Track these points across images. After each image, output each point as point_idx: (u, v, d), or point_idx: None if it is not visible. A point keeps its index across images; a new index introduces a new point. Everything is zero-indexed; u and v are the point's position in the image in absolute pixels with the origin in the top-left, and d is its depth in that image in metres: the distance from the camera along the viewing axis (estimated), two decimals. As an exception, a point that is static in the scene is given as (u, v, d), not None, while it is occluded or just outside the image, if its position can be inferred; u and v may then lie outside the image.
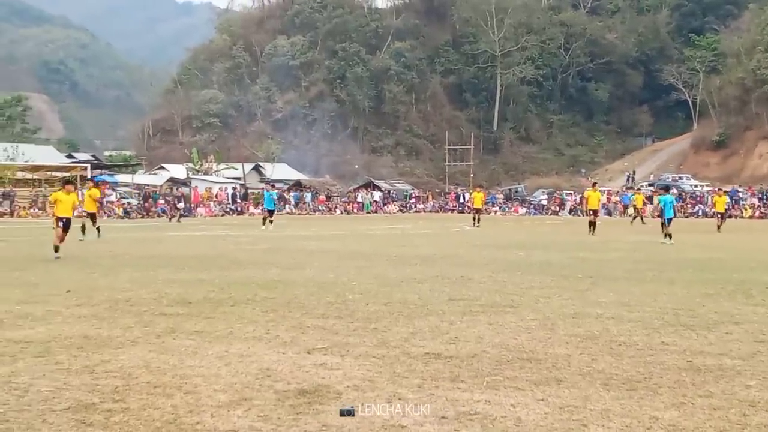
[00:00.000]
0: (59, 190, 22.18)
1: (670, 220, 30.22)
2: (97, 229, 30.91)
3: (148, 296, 13.40)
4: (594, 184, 42.53)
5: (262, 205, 47.23)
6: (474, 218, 45.53)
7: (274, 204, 44.84)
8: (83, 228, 30.37)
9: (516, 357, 8.63)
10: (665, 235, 29.56)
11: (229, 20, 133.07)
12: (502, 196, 78.82)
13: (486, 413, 6.45)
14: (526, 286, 15.15)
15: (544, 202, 72.56)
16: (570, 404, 6.73)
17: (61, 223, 21.62)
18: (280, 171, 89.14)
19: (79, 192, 57.78)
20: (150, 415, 6.34)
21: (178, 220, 46.39)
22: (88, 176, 57.92)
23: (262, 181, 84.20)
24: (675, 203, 33.98)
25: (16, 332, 10.02)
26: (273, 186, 58.28)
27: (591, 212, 36.93)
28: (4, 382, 7.39)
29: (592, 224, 35.71)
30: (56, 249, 21.20)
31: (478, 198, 47.40)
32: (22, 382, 7.39)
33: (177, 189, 67.13)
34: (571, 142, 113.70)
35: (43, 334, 9.92)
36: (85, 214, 31.43)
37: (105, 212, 57.18)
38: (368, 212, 70.68)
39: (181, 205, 55.10)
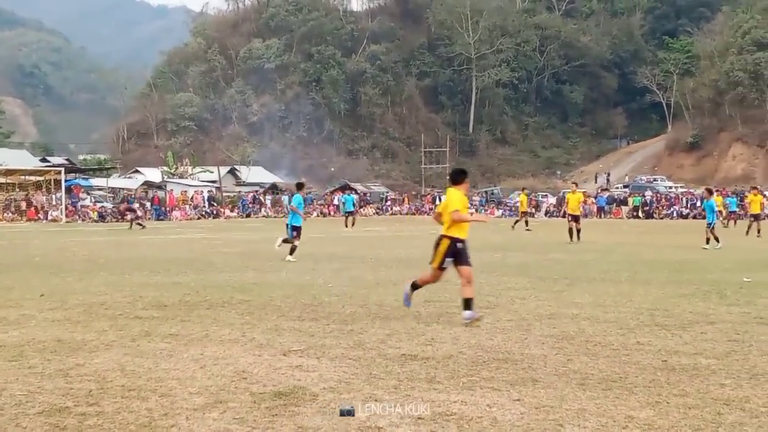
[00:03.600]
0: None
1: (710, 225, 27.78)
2: None
3: (123, 300, 13.33)
4: (575, 184, 37.35)
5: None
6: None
7: (354, 205, 48.97)
8: None
9: (492, 358, 8.65)
10: (707, 240, 27.62)
11: (203, 24, 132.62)
12: (478, 198, 78.92)
13: (462, 414, 6.45)
14: (502, 288, 15.20)
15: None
16: (546, 404, 6.75)
17: None
18: (255, 174, 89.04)
19: (53, 196, 57.56)
20: (125, 419, 6.30)
21: (132, 227, 44.28)
22: (63, 180, 57.48)
23: (238, 184, 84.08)
24: (716, 207, 29.76)
25: (-11, 336, 9.95)
26: (354, 191, 59.17)
27: (570, 218, 31.67)
28: (-23, 387, 7.32)
29: (572, 231, 30.93)
30: None
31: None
32: (-5, 387, 7.33)
33: (129, 195, 66.55)
34: (547, 144, 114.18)
35: (16, 337, 9.85)
36: None
37: (80, 216, 56.91)
38: (344, 214, 70.59)
39: (136, 210, 51.70)
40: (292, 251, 21.64)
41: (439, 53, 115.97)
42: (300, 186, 24.28)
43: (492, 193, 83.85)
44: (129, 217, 47.07)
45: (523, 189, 37.42)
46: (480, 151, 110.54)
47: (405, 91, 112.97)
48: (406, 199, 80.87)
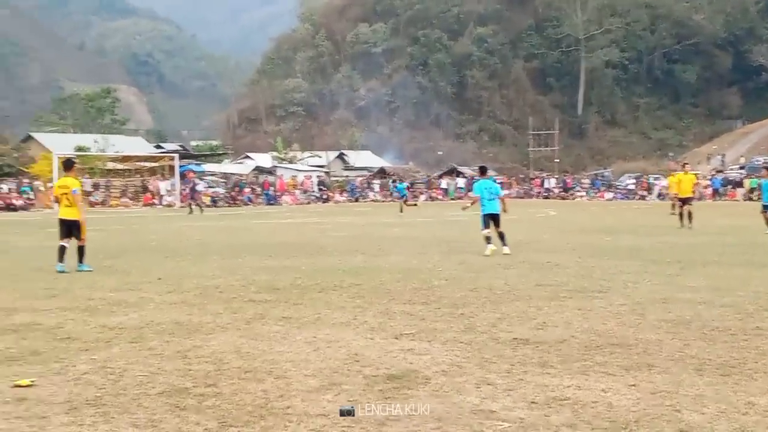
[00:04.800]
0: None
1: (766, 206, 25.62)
2: None
3: (236, 283, 13.59)
4: (684, 165, 32.38)
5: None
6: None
7: (405, 191, 47.63)
8: None
9: (606, 342, 8.54)
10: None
11: (311, 9, 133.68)
12: (587, 181, 77.81)
13: (576, 399, 6.39)
14: (614, 272, 14.96)
15: (631, 187, 71.37)
16: (662, 390, 6.64)
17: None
18: (363, 158, 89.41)
19: (167, 181, 58.81)
20: (242, 400, 6.43)
21: (191, 212, 44.21)
22: (177, 166, 58.76)
23: (346, 168, 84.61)
24: None
25: (111, 318, 10.26)
26: (402, 179, 59.14)
27: (679, 201, 29.06)
28: (101, 367, 7.57)
29: (683, 215, 28.16)
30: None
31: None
32: (118, 367, 7.56)
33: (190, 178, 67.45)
34: (658, 125, 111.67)
35: (136, 320, 10.14)
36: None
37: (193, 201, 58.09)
38: (452, 198, 70.46)
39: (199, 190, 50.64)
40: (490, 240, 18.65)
41: (546, 34, 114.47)
42: (483, 170, 20.58)
43: (602, 176, 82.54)
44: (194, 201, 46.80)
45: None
46: (589, 133, 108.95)
47: (512, 73, 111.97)
48: (514, 183, 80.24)
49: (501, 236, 18.77)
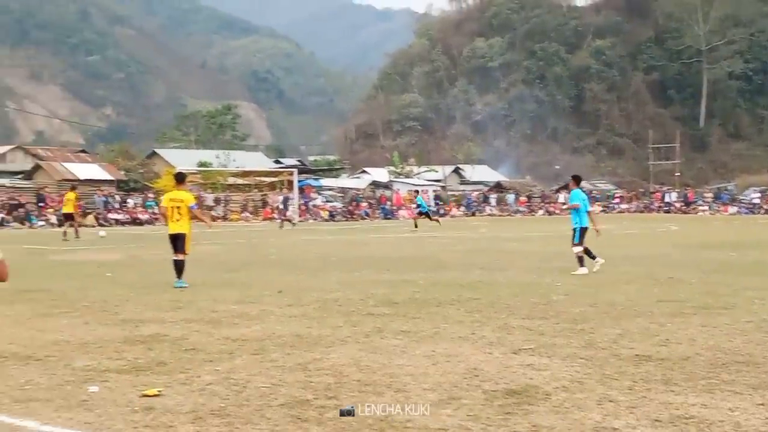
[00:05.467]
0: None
1: None
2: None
3: (355, 296, 13.69)
4: None
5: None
6: None
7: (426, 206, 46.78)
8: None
9: (732, 360, 8.32)
10: None
11: (427, 24, 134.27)
12: (710, 195, 75.97)
13: (702, 417, 6.25)
14: (739, 287, 14.57)
15: (757, 201, 69.35)
16: (793, 410, 6.44)
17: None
18: (480, 173, 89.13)
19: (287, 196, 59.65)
20: (362, 412, 6.47)
21: (281, 226, 44.51)
22: (296, 181, 59.62)
23: (463, 183, 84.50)
24: None
25: (233, 330, 10.47)
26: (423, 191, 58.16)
27: None
28: (224, 378, 7.72)
29: None
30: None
31: None
32: (240, 379, 7.71)
33: (357, 194, 67.90)
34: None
35: (258, 332, 10.32)
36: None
37: (311, 215, 58.77)
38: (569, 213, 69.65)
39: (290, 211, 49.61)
40: (585, 256, 17.79)
41: (666, 46, 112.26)
42: (579, 179, 19.56)
43: (726, 189, 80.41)
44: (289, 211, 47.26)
45: None
46: (712, 146, 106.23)
47: (631, 85, 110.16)
48: (634, 197, 78.81)
49: (588, 252, 17.84)
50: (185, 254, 15.69)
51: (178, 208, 15.73)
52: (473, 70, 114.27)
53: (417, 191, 52.42)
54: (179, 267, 15.53)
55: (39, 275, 18.04)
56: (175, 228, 15.78)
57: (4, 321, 11.32)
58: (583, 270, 17.20)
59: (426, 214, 43.97)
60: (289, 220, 46.07)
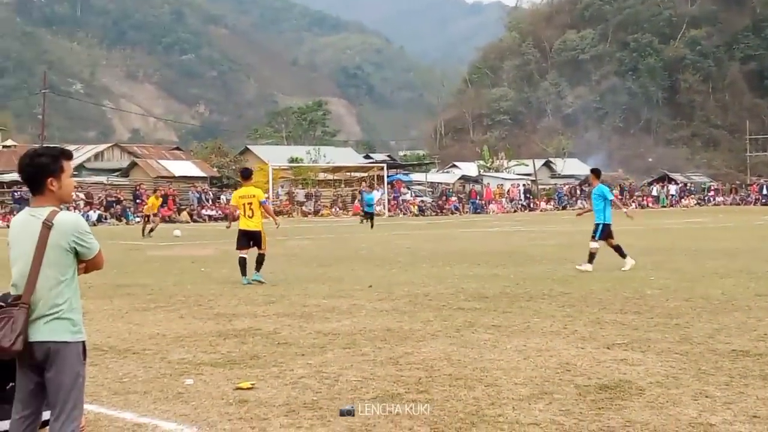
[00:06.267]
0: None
1: None
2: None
3: (445, 291, 13.70)
4: None
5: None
6: None
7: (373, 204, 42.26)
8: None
9: (835, 356, 8.11)
10: None
11: (518, 17, 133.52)
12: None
13: (801, 414, 6.11)
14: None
15: None
16: None
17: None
18: (570, 166, 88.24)
19: (377, 191, 59.88)
20: (453, 407, 6.49)
21: (362, 222, 42.65)
22: (385, 176, 59.75)
23: (553, 176, 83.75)
24: None
25: (325, 325, 10.56)
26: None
27: None
28: (316, 372, 7.80)
29: None
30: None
31: None
32: (332, 372, 7.78)
33: (447, 189, 67.69)
34: None
35: (348, 326, 10.40)
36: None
37: (401, 210, 58.89)
38: (664, 206, 68.54)
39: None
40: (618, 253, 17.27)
41: (764, 35, 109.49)
42: (598, 173, 18.98)
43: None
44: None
45: None
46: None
47: (727, 76, 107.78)
48: (732, 190, 77.14)
49: (618, 249, 17.18)
50: (264, 249, 15.61)
51: (250, 204, 15.56)
52: (564, 63, 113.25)
53: (370, 186, 51.07)
54: (260, 261, 15.45)
55: (136, 270, 18.45)
56: (248, 225, 15.61)
57: (102, 315, 11.61)
58: (588, 267, 16.60)
59: (369, 216, 39.62)
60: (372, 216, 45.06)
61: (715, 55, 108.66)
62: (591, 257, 16.79)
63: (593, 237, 17.09)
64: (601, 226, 17.08)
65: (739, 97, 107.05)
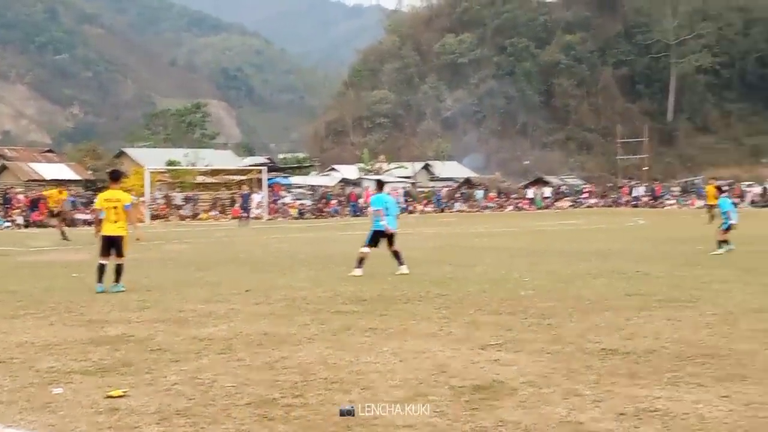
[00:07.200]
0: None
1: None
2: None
3: (323, 294, 13.68)
4: None
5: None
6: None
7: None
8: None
9: (697, 353, 8.40)
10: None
11: (397, 21, 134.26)
12: (678, 188, 76.53)
13: (666, 410, 6.30)
14: (705, 281, 14.71)
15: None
16: (756, 401, 6.49)
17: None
18: (449, 169, 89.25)
19: (257, 194, 59.45)
20: (329, 410, 6.48)
21: (242, 224, 44.12)
22: (265, 179, 59.38)
23: (432, 179, 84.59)
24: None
25: (201, 330, 10.42)
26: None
27: None
28: (190, 378, 7.69)
29: None
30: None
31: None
32: (207, 378, 7.68)
33: (327, 192, 67.89)
34: (752, 131, 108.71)
35: (225, 331, 10.28)
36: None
37: (281, 213, 58.65)
38: (539, 208, 69.95)
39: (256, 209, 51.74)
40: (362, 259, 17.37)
41: (636, 41, 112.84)
42: (381, 185, 19.09)
43: (693, 183, 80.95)
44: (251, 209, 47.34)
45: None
46: (679, 141, 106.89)
47: (601, 80, 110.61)
48: (602, 192, 79.25)
49: (396, 255, 17.30)
50: (122, 257, 14.91)
51: (115, 208, 14.79)
52: (443, 67, 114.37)
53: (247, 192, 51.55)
54: (120, 270, 14.81)
55: (4, 277, 17.90)
56: (111, 230, 14.80)
57: (-32, 323, 11.21)
58: (359, 272, 16.73)
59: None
60: (246, 218, 45.67)
61: (588, 60, 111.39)
62: (360, 261, 17.04)
63: (365, 243, 17.46)
64: (371, 233, 17.40)
65: (611, 102, 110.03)
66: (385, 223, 17.23)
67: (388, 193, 19.12)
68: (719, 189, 27.28)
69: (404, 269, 16.90)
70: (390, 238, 17.36)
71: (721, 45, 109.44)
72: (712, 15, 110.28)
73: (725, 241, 21.46)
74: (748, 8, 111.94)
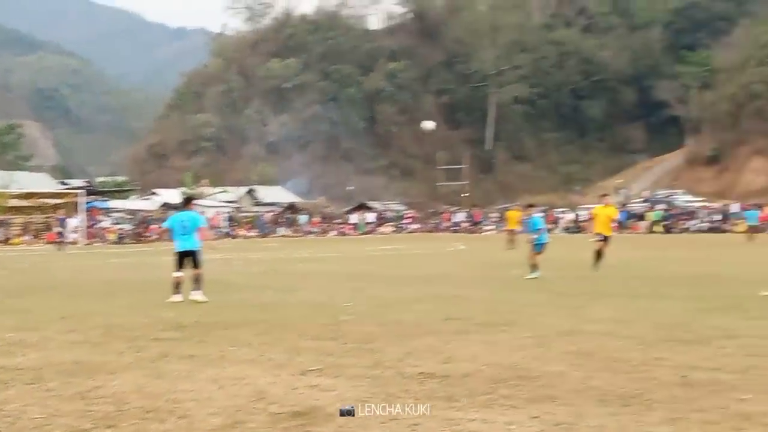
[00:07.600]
0: None
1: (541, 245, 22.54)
2: None
3: (141, 321, 13.35)
4: (604, 196, 28.05)
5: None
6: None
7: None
8: None
9: (511, 375, 8.59)
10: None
11: (222, 44, 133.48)
12: (497, 214, 78.75)
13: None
14: (521, 304, 15.13)
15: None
16: (564, 421, 6.70)
17: None
18: (274, 194, 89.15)
19: (74, 218, 57.63)
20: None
21: (60, 249, 44.78)
22: (82, 203, 57.72)
23: (256, 204, 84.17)
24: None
25: (8, 360, 9.95)
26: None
27: (599, 238, 24.15)
28: (-4, 410, 7.34)
29: (599, 253, 23.92)
30: None
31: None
32: (14, 410, 7.34)
33: (148, 216, 66.81)
34: (565, 159, 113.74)
35: (35, 360, 9.86)
36: None
37: (99, 238, 57.11)
38: (362, 233, 70.66)
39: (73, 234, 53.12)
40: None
41: (457, 70, 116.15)
42: (188, 201, 19.54)
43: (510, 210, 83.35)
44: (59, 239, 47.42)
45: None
46: (498, 168, 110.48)
47: (423, 108, 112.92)
48: (424, 217, 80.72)
49: (196, 279, 16.66)
50: None
51: None
52: (268, 91, 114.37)
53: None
54: None
55: None
56: None
57: None
58: (178, 297, 16.26)
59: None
60: (63, 243, 45.20)
61: (411, 87, 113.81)
62: (176, 286, 16.59)
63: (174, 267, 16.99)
64: (174, 254, 17.05)
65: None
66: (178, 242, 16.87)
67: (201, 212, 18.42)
68: (531, 206, 27.33)
69: (200, 296, 16.33)
70: (194, 257, 16.79)
71: (537, 76, 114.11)
72: (529, 47, 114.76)
73: (536, 266, 21.99)
74: (563, 42, 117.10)
